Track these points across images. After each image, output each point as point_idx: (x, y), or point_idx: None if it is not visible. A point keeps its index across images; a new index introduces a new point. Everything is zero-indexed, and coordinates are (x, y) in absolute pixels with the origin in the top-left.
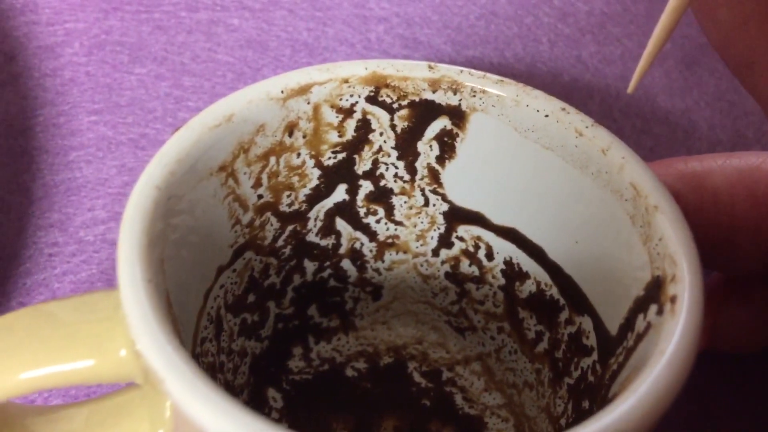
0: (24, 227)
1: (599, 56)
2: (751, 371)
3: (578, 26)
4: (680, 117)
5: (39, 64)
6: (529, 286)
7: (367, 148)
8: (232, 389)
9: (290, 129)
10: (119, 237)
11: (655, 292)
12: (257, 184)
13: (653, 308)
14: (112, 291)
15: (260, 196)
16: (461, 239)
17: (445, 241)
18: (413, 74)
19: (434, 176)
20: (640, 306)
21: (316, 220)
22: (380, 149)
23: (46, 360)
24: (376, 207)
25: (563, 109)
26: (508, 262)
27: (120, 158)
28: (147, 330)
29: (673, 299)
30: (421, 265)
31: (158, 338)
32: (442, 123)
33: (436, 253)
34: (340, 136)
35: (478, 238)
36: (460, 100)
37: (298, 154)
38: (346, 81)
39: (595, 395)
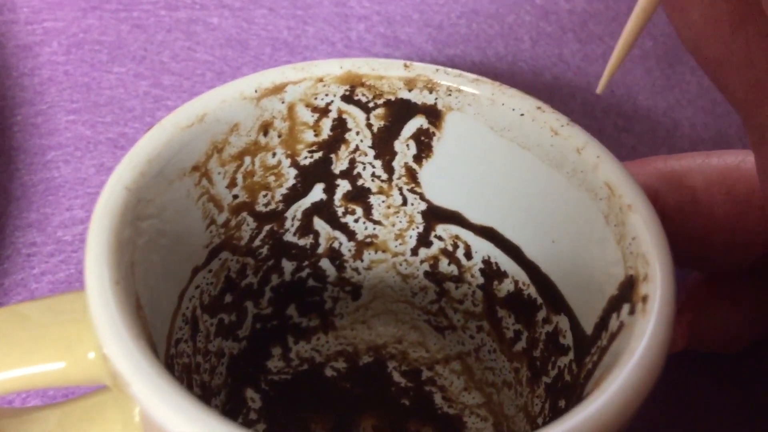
0: (2, 227)
1: (581, 55)
2: (733, 371)
3: (560, 25)
4: (662, 115)
5: (17, 63)
6: (507, 285)
7: (343, 147)
8: (208, 390)
9: (265, 128)
10: (87, 238)
11: (628, 292)
12: (232, 184)
13: (626, 308)
14: (83, 292)
15: (235, 196)
16: (440, 238)
17: (423, 240)
18: (389, 73)
19: (412, 175)
20: (614, 305)
21: (293, 219)
22: (357, 148)
23: (16, 362)
24: (354, 206)
25: (539, 108)
26: (487, 261)
27: (98, 157)
28: (113, 333)
29: (644, 299)
30: (401, 265)
31: (125, 341)
32: (418, 122)
33: (415, 252)
34: (316, 136)
35: (457, 237)
36: (436, 99)
37: (274, 154)
38: (320, 80)
39: (571, 394)
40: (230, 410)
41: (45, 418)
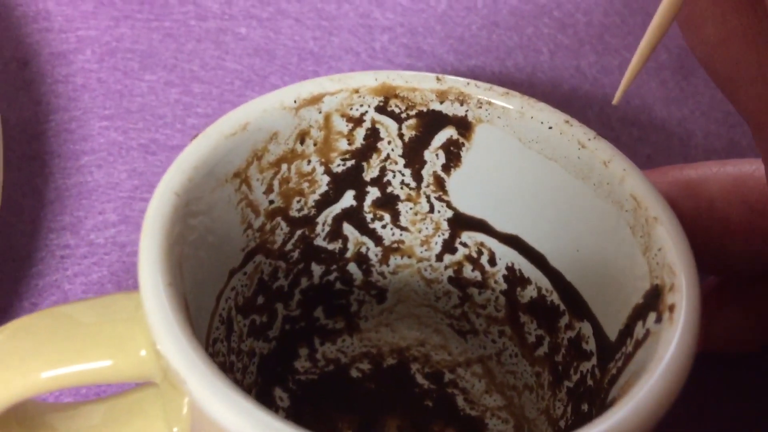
0: (36, 230)
1: (598, 66)
2: (745, 372)
3: (578, 37)
4: (677, 126)
5: (51, 70)
6: (530, 292)
7: (375, 155)
8: (241, 389)
9: (302, 137)
10: (140, 242)
11: (653, 301)
12: (269, 190)
13: (652, 316)
14: (130, 293)
15: (271, 202)
16: (465, 245)
17: (449, 246)
18: (421, 85)
19: (440, 184)
20: (639, 313)
21: (324, 224)
22: (388, 157)
23: (68, 360)
24: (383, 213)
25: (567, 122)
26: (510, 268)
27: (130, 163)
28: (168, 332)
29: (671, 308)
30: (425, 270)
31: (179, 340)
32: (448, 133)
33: (440, 258)
34: (349, 144)
35: (482, 244)
36: (467, 111)
37: (309, 161)
38: (356, 91)
39: (594, 399)
40: None
41: (90, 412)
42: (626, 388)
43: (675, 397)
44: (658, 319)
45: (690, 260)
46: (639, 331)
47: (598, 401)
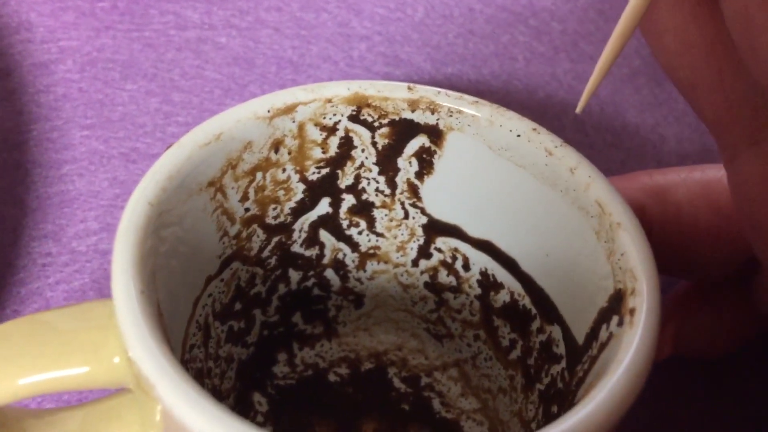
0: (18, 238)
1: (573, 73)
2: (718, 376)
3: (553, 45)
4: (650, 131)
5: (33, 80)
6: (503, 296)
7: (349, 163)
8: (218, 394)
9: (276, 146)
10: (114, 250)
11: (616, 304)
12: (244, 198)
13: (615, 319)
14: (106, 300)
15: (247, 209)
16: (439, 250)
17: (424, 252)
18: (393, 95)
19: (413, 191)
20: (604, 317)
21: (300, 231)
22: (362, 165)
23: (44, 366)
24: (358, 219)
25: (534, 130)
26: (484, 273)
27: (111, 171)
28: (139, 339)
29: (632, 311)
30: (402, 275)
31: (150, 346)
32: (420, 141)
33: (415, 263)
34: (323, 153)
35: (456, 249)
36: (438, 119)
37: (284, 170)
38: (329, 101)
39: (563, 401)
40: (238, 413)
41: (67, 419)
42: (589, 390)
43: (635, 396)
44: (620, 323)
45: (651, 265)
46: (603, 334)
47: (567, 403)
